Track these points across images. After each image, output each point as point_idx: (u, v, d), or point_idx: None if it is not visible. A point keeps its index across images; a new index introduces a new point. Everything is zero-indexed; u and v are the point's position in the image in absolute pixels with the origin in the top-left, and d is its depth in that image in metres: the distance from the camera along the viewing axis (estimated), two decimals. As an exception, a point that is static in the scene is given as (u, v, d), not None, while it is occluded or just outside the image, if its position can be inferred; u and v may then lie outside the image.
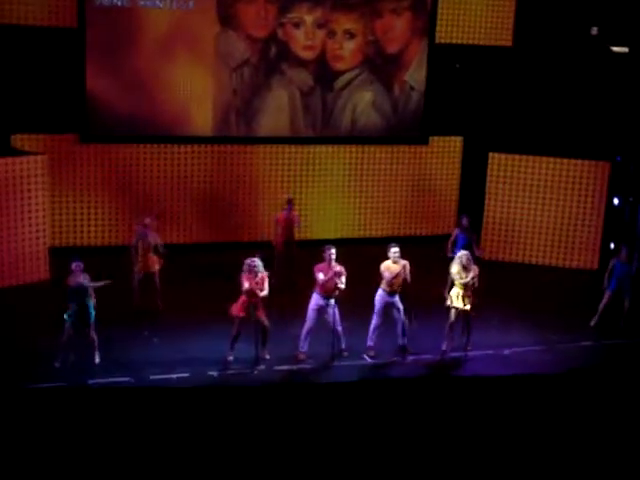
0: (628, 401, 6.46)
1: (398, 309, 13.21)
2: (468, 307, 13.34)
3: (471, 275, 13.30)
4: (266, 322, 12.82)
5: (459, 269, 13.36)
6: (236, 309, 12.71)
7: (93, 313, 12.42)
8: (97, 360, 12.55)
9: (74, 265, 12.40)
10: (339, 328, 13.11)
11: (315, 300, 12.98)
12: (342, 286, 12.89)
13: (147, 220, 14.78)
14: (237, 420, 6.00)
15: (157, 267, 14.68)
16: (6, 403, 5.81)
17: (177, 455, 5.63)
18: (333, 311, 12.96)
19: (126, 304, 14.43)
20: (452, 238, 16.03)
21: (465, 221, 16.12)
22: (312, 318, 13.02)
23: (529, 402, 6.34)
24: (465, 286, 13.31)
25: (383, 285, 13.15)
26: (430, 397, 6.43)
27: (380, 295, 13.18)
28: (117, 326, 13.63)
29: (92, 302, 12.41)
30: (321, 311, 12.98)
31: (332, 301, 12.95)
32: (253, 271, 12.64)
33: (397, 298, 13.20)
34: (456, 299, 13.36)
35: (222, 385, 12.05)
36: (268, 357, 13.00)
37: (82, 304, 12.27)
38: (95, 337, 12.51)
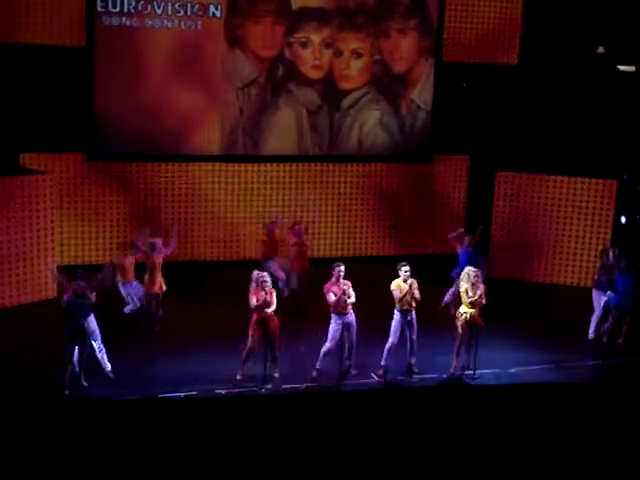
0: (631, 417, 6.47)
1: (412, 328, 13.21)
2: (475, 325, 13.31)
3: (478, 293, 13.26)
4: (276, 339, 12.79)
5: (467, 287, 13.31)
6: (250, 328, 12.71)
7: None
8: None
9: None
10: (354, 344, 13.11)
11: (335, 320, 12.96)
12: (351, 300, 12.91)
13: (156, 241, 14.61)
14: (242, 430, 5.99)
15: (162, 289, 14.58)
16: (11, 417, 5.83)
17: (183, 466, 5.64)
18: (350, 328, 12.98)
19: (132, 322, 14.47)
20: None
21: (467, 240, 16.05)
22: (334, 339, 12.98)
23: (535, 411, 6.34)
24: (472, 304, 13.28)
25: (397, 305, 13.17)
26: (436, 405, 6.42)
27: (397, 316, 13.18)
28: (123, 344, 13.64)
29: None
30: (343, 330, 12.97)
31: (350, 317, 12.97)
32: (261, 286, 12.63)
33: (412, 316, 13.21)
34: (463, 317, 13.33)
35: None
36: (277, 375, 12.98)
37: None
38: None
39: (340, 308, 12.88)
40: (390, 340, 13.24)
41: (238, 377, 12.79)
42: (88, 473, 5.48)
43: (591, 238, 18.25)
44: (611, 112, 18.40)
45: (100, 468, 5.48)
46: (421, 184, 19.67)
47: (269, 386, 12.69)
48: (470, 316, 13.24)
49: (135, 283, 14.62)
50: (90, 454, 5.55)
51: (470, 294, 13.24)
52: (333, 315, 12.97)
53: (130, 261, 14.64)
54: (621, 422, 6.31)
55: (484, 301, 13.31)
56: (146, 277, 14.47)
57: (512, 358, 14.14)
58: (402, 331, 13.22)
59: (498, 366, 13.75)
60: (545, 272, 18.60)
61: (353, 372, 13.25)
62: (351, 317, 12.99)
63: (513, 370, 13.74)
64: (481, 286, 13.36)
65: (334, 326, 12.94)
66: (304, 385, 12.83)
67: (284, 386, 12.74)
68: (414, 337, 13.27)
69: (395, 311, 13.19)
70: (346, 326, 12.92)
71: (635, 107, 18.13)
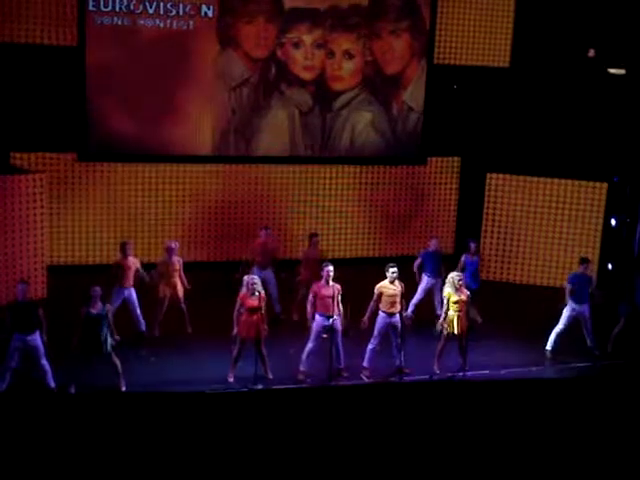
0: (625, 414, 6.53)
1: (396, 330, 13.21)
2: (463, 328, 13.34)
3: (462, 297, 13.30)
4: (263, 342, 12.80)
5: (450, 292, 13.36)
6: (238, 329, 12.73)
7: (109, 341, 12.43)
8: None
9: (93, 291, 12.28)
10: (340, 347, 13.10)
11: (318, 321, 12.97)
12: (336, 301, 12.89)
13: (173, 244, 14.67)
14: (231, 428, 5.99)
15: (182, 291, 14.57)
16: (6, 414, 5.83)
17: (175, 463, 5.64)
18: (335, 329, 12.96)
19: (125, 324, 14.42)
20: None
21: (473, 246, 15.86)
22: (315, 340, 13.01)
23: (525, 406, 6.39)
24: (458, 307, 13.28)
25: (382, 307, 13.15)
26: (426, 400, 6.44)
27: (381, 317, 13.17)
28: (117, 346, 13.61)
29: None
30: (324, 332, 12.97)
31: (334, 319, 12.94)
32: (252, 290, 12.67)
33: (397, 318, 13.20)
34: (451, 320, 13.35)
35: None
36: (271, 377, 12.99)
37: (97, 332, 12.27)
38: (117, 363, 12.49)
39: (326, 309, 12.87)
40: (372, 341, 13.23)
41: (230, 379, 12.81)
42: (70, 468, 5.51)
43: (581, 240, 18.31)
44: (602, 115, 18.45)
45: (79, 463, 5.50)
46: (412, 185, 19.69)
47: (260, 387, 12.70)
48: (456, 320, 13.27)
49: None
50: (73, 449, 5.57)
51: (454, 298, 13.29)
52: (317, 316, 12.96)
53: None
54: (610, 421, 6.37)
55: (467, 305, 13.37)
56: (165, 281, 14.45)
57: (502, 360, 14.19)
58: (386, 332, 13.21)
59: (488, 368, 13.80)
60: (535, 274, 18.64)
61: (345, 374, 13.26)
62: (337, 319, 12.95)
63: (503, 372, 13.79)
64: (465, 290, 13.43)
65: (315, 327, 12.95)
66: (295, 386, 12.84)
67: (275, 387, 12.74)
68: (399, 340, 13.24)
69: (380, 312, 13.18)
70: (331, 328, 12.89)
71: (625, 110, 18.18)
